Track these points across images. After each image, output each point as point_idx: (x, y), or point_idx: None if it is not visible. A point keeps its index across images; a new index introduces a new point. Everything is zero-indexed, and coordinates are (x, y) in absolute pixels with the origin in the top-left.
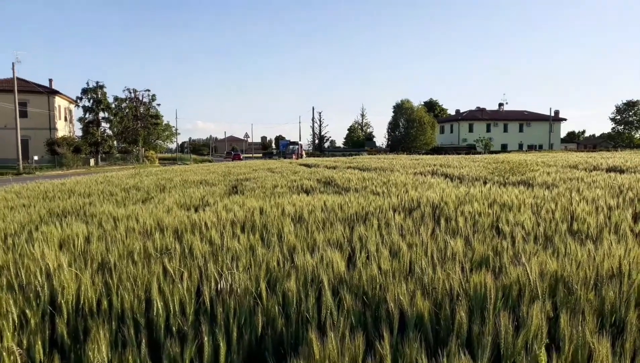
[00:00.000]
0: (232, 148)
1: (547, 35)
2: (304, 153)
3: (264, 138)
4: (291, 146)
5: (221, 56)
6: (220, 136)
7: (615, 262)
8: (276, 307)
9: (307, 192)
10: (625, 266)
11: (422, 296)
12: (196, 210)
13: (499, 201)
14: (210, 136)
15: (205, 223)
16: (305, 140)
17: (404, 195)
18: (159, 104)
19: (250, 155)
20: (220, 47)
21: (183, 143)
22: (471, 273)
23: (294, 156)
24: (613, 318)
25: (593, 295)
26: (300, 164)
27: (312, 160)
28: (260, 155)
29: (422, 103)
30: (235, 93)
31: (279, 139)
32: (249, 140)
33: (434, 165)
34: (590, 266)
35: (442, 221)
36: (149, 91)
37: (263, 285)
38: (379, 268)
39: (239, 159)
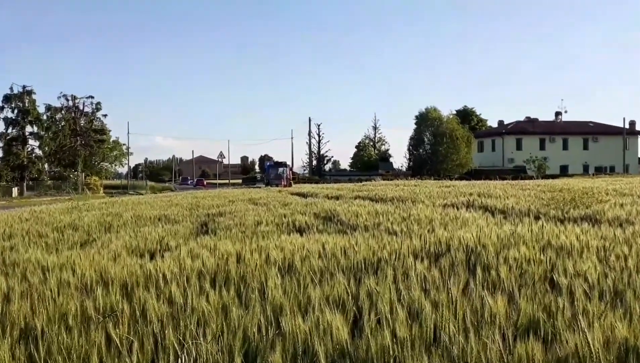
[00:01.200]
0: (202, 172)
1: (618, 22)
2: (290, 179)
3: (244, 159)
4: (280, 169)
5: (188, 54)
6: (187, 156)
7: None
8: None
9: (300, 231)
10: None
11: None
12: (152, 257)
13: (555, 243)
14: (173, 156)
15: (164, 275)
16: (300, 161)
17: (429, 236)
18: (105, 115)
19: (227, 181)
20: (186, 43)
21: (137, 166)
22: (515, 343)
23: (282, 182)
24: None
25: None
26: (293, 194)
27: (308, 187)
28: (240, 181)
29: (454, 112)
30: (207, 101)
31: (264, 159)
32: (225, 161)
33: (470, 194)
34: None
35: (479, 271)
36: (92, 98)
37: (238, 360)
38: (394, 335)
39: (202, 185)
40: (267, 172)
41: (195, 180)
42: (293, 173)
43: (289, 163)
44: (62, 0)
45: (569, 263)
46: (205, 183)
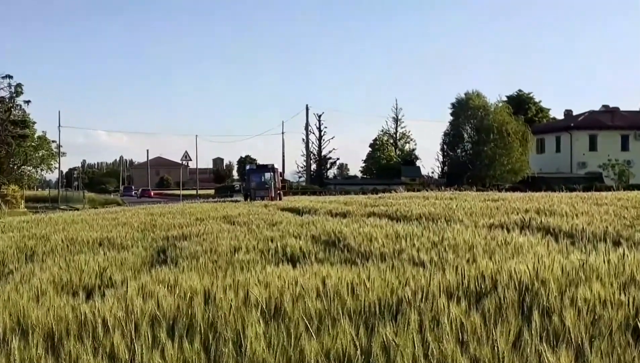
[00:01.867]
0: (161, 179)
1: None
2: (279, 188)
3: (218, 162)
4: (265, 176)
5: (141, 25)
6: (140, 158)
7: None
8: None
9: (293, 261)
10: None
11: None
12: (90, 296)
13: None
14: (121, 157)
15: (105, 321)
16: (294, 165)
17: (469, 267)
18: (27, 102)
19: (194, 191)
20: (139, 11)
21: (71, 171)
22: None
23: (268, 193)
24: None
25: None
26: (284, 210)
27: (305, 201)
28: (212, 191)
29: (504, 99)
30: (168, 85)
31: (244, 162)
32: (191, 165)
33: (526, 211)
34: None
35: (536, 317)
36: (9, 78)
37: None
38: None
39: (149, 197)
40: (247, 180)
41: (139, 190)
42: (283, 181)
43: (277, 165)
44: None
45: None
46: (152, 193)
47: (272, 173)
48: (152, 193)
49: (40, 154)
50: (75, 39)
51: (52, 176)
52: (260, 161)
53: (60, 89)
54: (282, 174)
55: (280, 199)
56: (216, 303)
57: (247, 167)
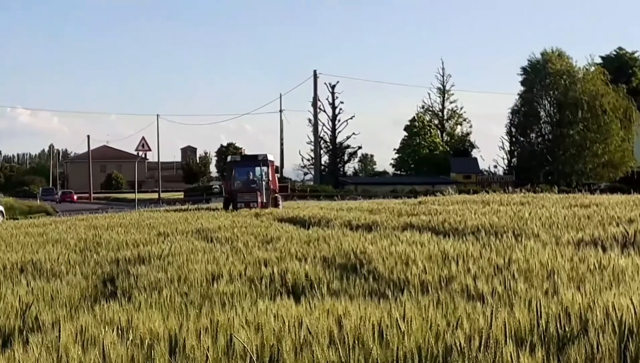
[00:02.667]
0: (108, 177)
1: None
2: (276, 189)
3: (189, 152)
4: (253, 171)
5: None
6: (78, 147)
7: None
8: None
9: (295, 293)
10: None
11: None
12: (7, 343)
13: None
14: (51, 147)
15: None
16: (296, 156)
17: (548, 302)
18: None
19: (155, 194)
20: None
21: None
22: None
23: (257, 198)
24: None
25: None
26: (283, 220)
27: (313, 208)
28: (181, 194)
29: (597, 61)
30: (116, 46)
31: (225, 153)
32: (148, 157)
33: (630, 220)
34: None
35: None
36: None
37: None
38: None
39: (71, 201)
40: (229, 177)
41: (59, 193)
42: (282, 179)
43: (272, 156)
44: None
45: None
46: (75, 197)
47: (263, 168)
48: (75, 197)
49: None
50: None
51: None
52: (248, 152)
53: None
54: (276, 168)
55: (277, 206)
56: (186, 354)
57: (229, 159)
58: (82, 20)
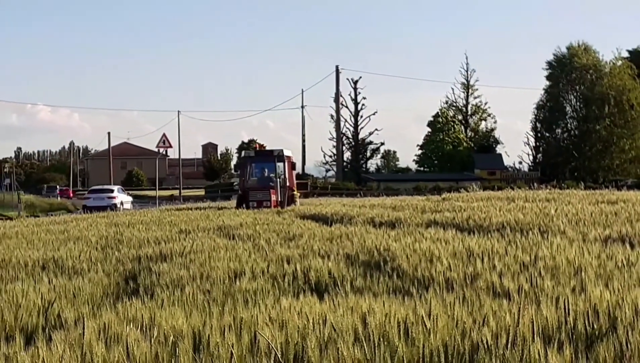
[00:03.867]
0: (129, 174)
1: None
2: (293, 187)
3: (210, 149)
4: (267, 168)
5: None
6: (98, 144)
7: None
8: None
9: (319, 290)
10: None
11: None
12: (30, 340)
13: None
14: (72, 144)
15: None
16: (319, 153)
17: (575, 299)
18: None
19: (176, 190)
20: None
21: (1, 164)
22: None
23: (271, 197)
24: None
25: None
26: (305, 217)
27: (335, 205)
28: (202, 191)
29: (625, 55)
30: (137, 44)
31: (245, 148)
32: (169, 153)
33: None
34: None
35: None
36: None
37: None
38: None
39: (68, 196)
40: (242, 174)
41: (58, 189)
42: (303, 176)
43: (292, 153)
44: None
45: None
46: (71, 193)
47: (279, 164)
48: (71, 193)
49: None
50: None
51: None
52: (270, 148)
53: None
54: (294, 164)
55: (294, 204)
56: (210, 351)
57: (242, 154)
58: (102, 16)
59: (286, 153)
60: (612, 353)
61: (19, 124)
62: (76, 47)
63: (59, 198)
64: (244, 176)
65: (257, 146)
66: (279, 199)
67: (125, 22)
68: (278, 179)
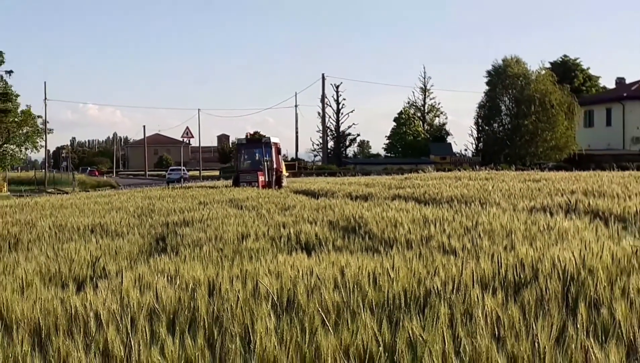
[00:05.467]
0: (160, 159)
1: None
2: (282, 167)
3: (223, 139)
4: (257, 152)
5: None
6: (136, 135)
7: None
8: None
9: (308, 249)
10: None
11: None
12: (81, 288)
13: None
14: (115, 134)
15: (97, 315)
16: (308, 142)
17: (507, 255)
18: (9, 72)
19: (197, 172)
20: None
21: (59, 150)
22: None
23: (259, 178)
24: None
25: None
26: (298, 192)
27: (320, 183)
28: (217, 172)
29: (547, 66)
30: (168, 53)
31: (249, 139)
32: (191, 142)
33: (572, 192)
34: None
35: (582, 310)
36: None
37: None
38: None
39: (95, 175)
40: (237, 158)
41: (88, 170)
42: (296, 161)
43: (285, 141)
44: None
45: None
46: (97, 173)
47: (266, 150)
48: (97, 173)
49: (25, 131)
50: (60, 4)
51: (38, 155)
52: (273, 139)
53: (45, 59)
54: (279, 149)
55: (279, 186)
56: (222, 295)
57: (236, 141)
58: (131, 34)
59: (273, 140)
60: (534, 297)
61: (73, 119)
62: (117, 58)
63: (88, 175)
64: (237, 160)
65: (249, 134)
66: (267, 180)
67: (157, 37)
68: (265, 163)
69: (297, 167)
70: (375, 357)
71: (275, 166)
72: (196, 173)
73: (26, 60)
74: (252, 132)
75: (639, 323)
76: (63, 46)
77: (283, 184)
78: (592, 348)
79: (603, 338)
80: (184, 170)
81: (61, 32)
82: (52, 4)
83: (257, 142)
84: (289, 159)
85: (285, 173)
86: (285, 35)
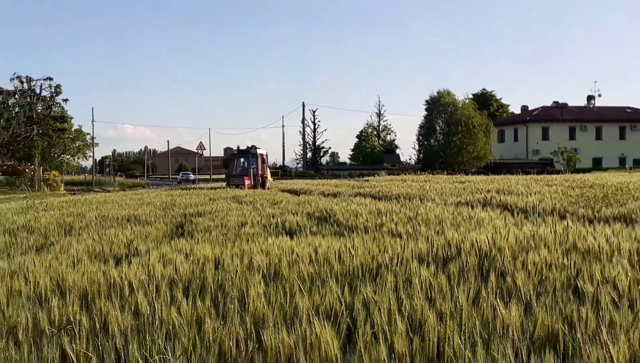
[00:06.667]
0: (180, 166)
1: None
2: (267, 173)
3: (228, 150)
4: (245, 161)
5: (159, 33)
6: (162, 148)
7: None
8: None
9: (290, 233)
10: None
11: None
12: (118, 263)
13: (581, 246)
14: (146, 147)
15: (130, 283)
16: (293, 153)
17: (438, 238)
18: (65, 100)
19: (207, 176)
20: (158, 21)
21: (103, 159)
22: (530, 359)
23: (245, 182)
24: None
25: None
26: (284, 191)
27: (301, 184)
28: (223, 176)
29: (470, 96)
30: (184, 85)
31: (240, 150)
32: (204, 153)
33: (488, 191)
34: None
35: (492, 278)
36: (50, 80)
37: None
38: (391, 350)
39: (123, 177)
40: (229, 166)
41: (118, 174)
42: (281, 168)
43: (263, 150)
44: None
45: (596, 268)
46: (124, 176)
47: (252, 159)
48: (124, 176)
49: (77, 144)
50: (107, 47)
51: (87, 163)
52: (262, 151)
53: (93, 89)
54: (265, 158)
55: (263, 187)
56: (225, 268)
57: (230, 152)
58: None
59: (259, 151)
60: (458, 268)
61: (114, 135)
62: (147, 84)
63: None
64: (229, 167)
65: (239, 146)
66: (252, 183)
67: (175, 65)
68: (251, 169)
69: (280, 173)
70: (339, 314)
71: (260, 172)
72: (207, 176)
73: (78, 88)
74: (250, 145)
75: (534, 288)
76: (107, 77)
77: (267, 186)
78: (499, 306)
79: (507, 299)
80: (191, 174)
81: (106, 65)
82: (103, 48)
83: (245, 153)
84: (277, 166)
85: (270, 178)
86: (278, 71)
